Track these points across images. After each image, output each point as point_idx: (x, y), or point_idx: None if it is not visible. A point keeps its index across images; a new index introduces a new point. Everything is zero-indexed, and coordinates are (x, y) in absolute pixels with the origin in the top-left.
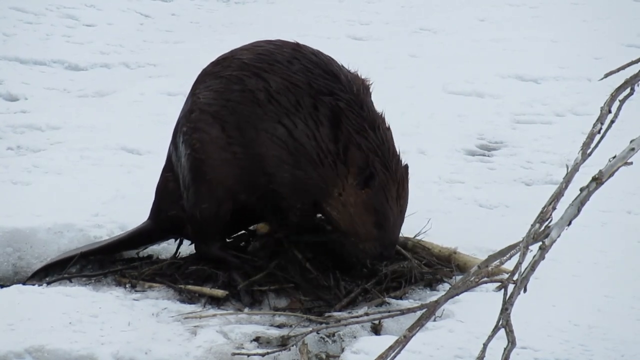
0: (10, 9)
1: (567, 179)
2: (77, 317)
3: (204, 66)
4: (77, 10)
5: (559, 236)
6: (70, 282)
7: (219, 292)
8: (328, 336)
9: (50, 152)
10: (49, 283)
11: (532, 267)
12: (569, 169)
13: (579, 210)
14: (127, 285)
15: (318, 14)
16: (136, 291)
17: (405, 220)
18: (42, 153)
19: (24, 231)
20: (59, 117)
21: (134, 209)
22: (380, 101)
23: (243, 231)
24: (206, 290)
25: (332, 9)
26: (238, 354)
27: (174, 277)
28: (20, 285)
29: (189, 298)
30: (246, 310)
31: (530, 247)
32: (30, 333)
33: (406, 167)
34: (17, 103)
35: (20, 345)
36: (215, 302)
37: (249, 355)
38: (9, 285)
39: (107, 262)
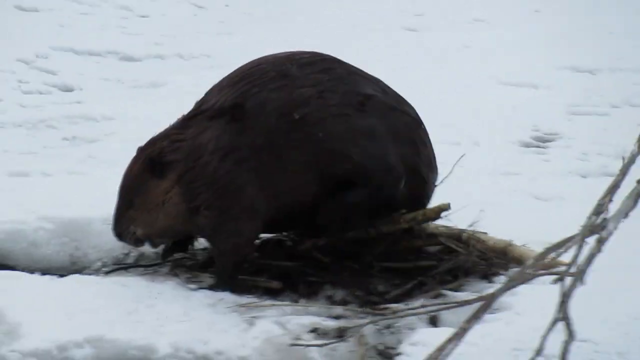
0: (66, 0)
1: (624, 171)
2: (135, 307)
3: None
4: (132, 1)
5: (616, 228)
6: (128, 272)
7: (274, 284)
8: (385, 328)
9: (105, 142)
10: (106, 273)
11: (589, 259)
12: (625, 161)
13: (635, 203)
14: (183, 276)
15: (371, 4)
16: (192, 281)
17: (460, 212)
18: (96, 144)
19: (80, 222)
20: (113, 108)
21: None
22: (433, 92)
23: None
24: (261, 281)
25: (385, 0)
26: (295, 345)
27: None
28: (77, 276)
29: (245, 289)
30: (302, 301)
31: (587, 240)
32: (89, 323)
33: (146, 157)
34: (72, 94)
35: (80, 335)
36: (272, 293)
37: (306, 346)
38: (66, 275)
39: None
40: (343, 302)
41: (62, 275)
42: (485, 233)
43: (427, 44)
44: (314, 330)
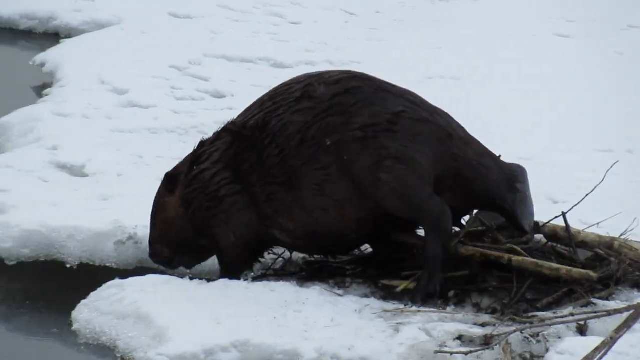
0: (218, 7)
1: None
2: (282, 312)
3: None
4: (283, 8)
5: None
6: (276, 277)
7: (411, 285)
8: (532, 336)
9: None
10: (254, 278)
11: None
12: None
13: None
14: (330, 281)
15: (523, 11)
16: (339, 287)
17: (611, 219)
18: None
19: None
20: None
21: None
22: (586, 99)
23: None
24: (404, 283)
25: (537, 6)
26: (441, 352)
27: (376, 272)
28: (226, 280)
29: (389, 294)
30: (449, 308)
31: None
32: (235, 327)
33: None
34: (224, 100)
35: (226, 339)
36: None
37: (451, 353)
38: (215, 280)
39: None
40: (490, 310)
41: (210, 280)
42: (638, 241)
43: (579, 50)
44: (459, 338)
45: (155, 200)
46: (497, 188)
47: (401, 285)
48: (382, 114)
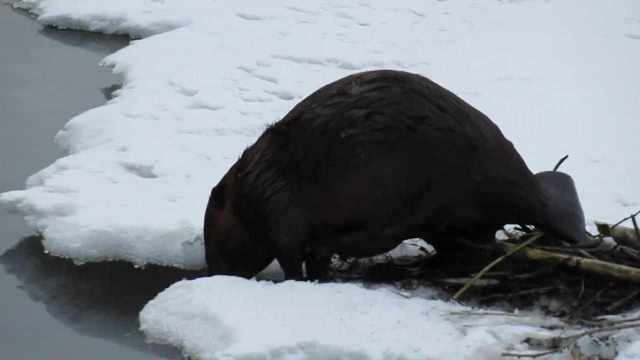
0: (286, 8)
1: None
2: (349, 314)
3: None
4: (352, 9)
5: None
6: (342, 278)
7: (485, 282)
8: (601, 339)
9: None
10: (320, 280)
11: None
12: None
13: None
14: (397, 283)
15: (592, 11)
16: (406, 289)
17: None
18: None
19: None
20: None
21: None
22: None
23: None
24: (470, 280)
25: (607, 5)
26: (508, 354)
27: (442, 273)
28: (292, 281)
29: (454, 288)
30: (517, 311)
31: None
32: (302, 328)
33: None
34: (292, 101)
35: (293, 341)
36: (485, 302)
37: (519, 356)
38: (281, 281)
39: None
40: (558, 313)
41: (277, 281)
42: None
43: None
44: (527, 341)
45: (205, 218)
46: (527, 205)
47: (468, 282)
48: (405, 117)
